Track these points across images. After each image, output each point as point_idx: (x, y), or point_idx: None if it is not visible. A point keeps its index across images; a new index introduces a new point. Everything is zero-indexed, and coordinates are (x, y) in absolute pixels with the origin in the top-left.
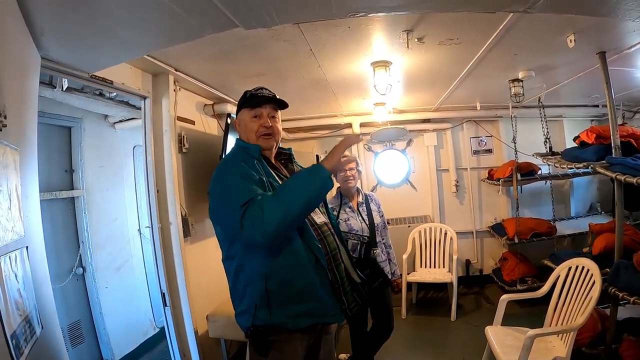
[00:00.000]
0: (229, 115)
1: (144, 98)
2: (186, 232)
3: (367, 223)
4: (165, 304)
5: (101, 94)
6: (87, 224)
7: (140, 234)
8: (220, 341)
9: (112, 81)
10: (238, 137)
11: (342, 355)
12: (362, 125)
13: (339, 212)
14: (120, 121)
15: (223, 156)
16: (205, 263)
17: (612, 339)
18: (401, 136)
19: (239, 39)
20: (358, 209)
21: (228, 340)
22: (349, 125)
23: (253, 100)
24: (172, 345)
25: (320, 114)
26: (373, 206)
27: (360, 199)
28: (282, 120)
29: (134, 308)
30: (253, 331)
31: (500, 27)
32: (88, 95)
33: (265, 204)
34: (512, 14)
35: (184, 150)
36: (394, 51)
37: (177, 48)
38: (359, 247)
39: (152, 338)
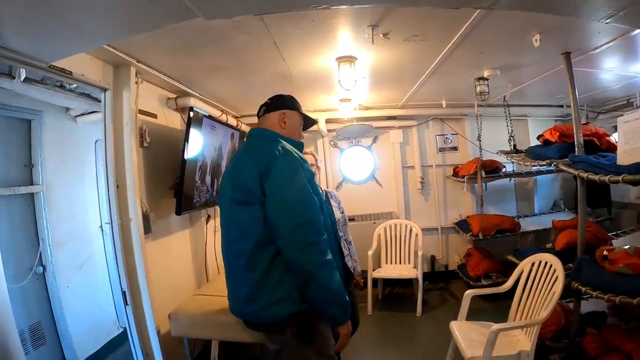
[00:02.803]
0: (191, 108)
1: (105, 90)
2: (147, 229)
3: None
4: (126, 303)
5: (62, 86)
6: (47, 220)
7: (102, 230)
8: (183, 340)
9: (71, 72)
10: (270, 129)
11: None
12: (327, 121)
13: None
14: (82, 114)
15: (185, 151)
16: (167, 260)
17: (576, 332)
18: (367, 133)
19: (201, 30)
20: None
21: (192, 340)
22: (315, 122)
23: (306, 117)
24: (134, 345)
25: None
26: (333, 202)
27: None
28: (247, 116)
29: (96, 307)
30: (297, 318)
31: (466, 25)
32: (48, 86)
33: (329, 266)
34: (477, 11)
35: (145, 144)
36: (359, 46)
37: (139, 39)
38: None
39: (116, 338)
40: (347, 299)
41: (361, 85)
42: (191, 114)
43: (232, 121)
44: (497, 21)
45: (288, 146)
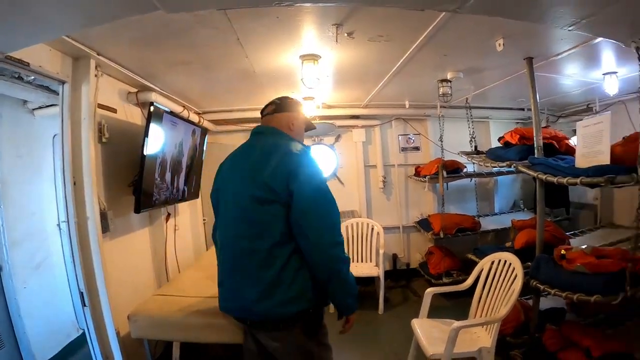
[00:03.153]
0: (151, 103)
1: (63, 83)
2: (105, 227)
3: None
4: (84, 304)
5: (20, 77)
6: (3, 218)
7: (59, 229)
8: (143, 342)
9: (28, 63)
10: (280, 129)
11: None
12: None
13: None
14: (40, 107)
15: (145, 147)
16: (126, 260)
17: (535, 328)
18: (330, 131)
19: (164, 23)
20: None
21: (152, 341)
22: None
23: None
24: (93, 348)
25: (248, 106)
26: None
27: None
28: (209, 112)
29: (55, 309)
30: (307, 314)
31: (431, 27)
32: (5, 78)
33: (348, 262)
34: (442, 14)
35: (103, 140)
36: (323, 45)
37: (100, 30)
38: None
39: (75, 340)
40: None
41: (325, 84)
42: (151, 108)
43: (194, 117)
44: (461, 24)
45: (307, 149)
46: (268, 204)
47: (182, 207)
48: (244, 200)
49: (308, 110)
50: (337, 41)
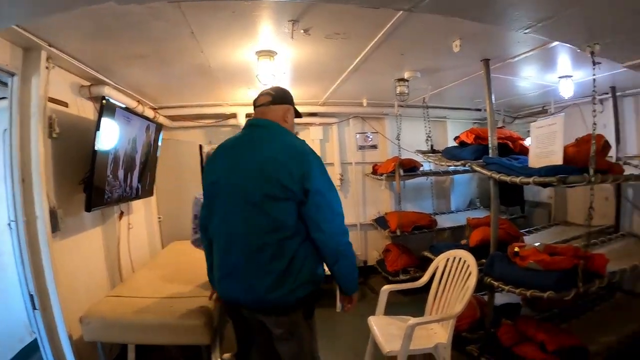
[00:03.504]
0: (103, 97)
1: (12, 75)
2: (55, 227)
3: None
4: (34, 307)
5: None
6: None
7: (10, 228)
8: (97, 345)
9: None
10: (281, 125)
11: (226, 355)
12: (247, 116)
13: None
14: None
15: (96, 143)
16: (77, 260)
17: (491, 324)
18: None
19: (118, 15)
20: None
21: (107, 344)
22: (234, 115)
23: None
24: (45, 353)
25: (205, 102)
26: None
27: None
28: (165, 107)
29: (7, 312)
30: (309, 298)
31: (388, 25)
32: None
33: (351, 245)
34: (399, 13)
35: (54, 135)
36: (279, 41)
37: (53, 21)
38: None
39: (29, 345)
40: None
41: (282, 81)
42: (103, 102)
43: (149, 113)
44: (419, 24)
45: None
46: (282, 201)
47: (137, 205)
48: (256, 198)
49: None
50: (292, 37)
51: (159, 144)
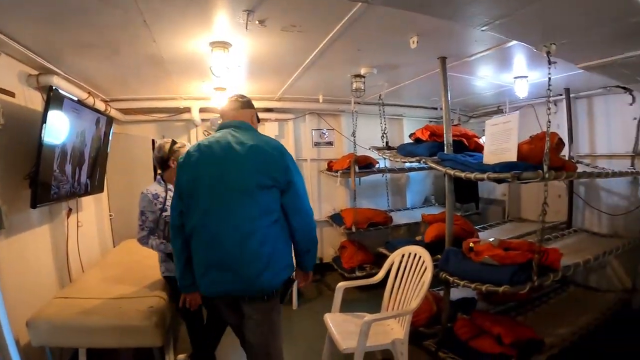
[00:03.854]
0: (51, 87)
1: None
2: None
3: None
4: None
5: None
6: None
7: None
8: (45, 350)
9: None
10: (250, 124)
11: (181, 356)
12: (201, 110)
13: (165, 199)
14: None
15: (42, 136)
16: (23, 260)
17: (447, 319)
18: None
19: (66, 0)
20: None
21: (56, 349)
22: (188, 110)
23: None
24: None
25: (158, 95)
26: None
27: None
28: (117, 100)
29: None
30: (288, 282)
31: (345, 19)
32: None
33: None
34: (357, 6)
35: None
36: (234, 32)
37: None
38: None
39: None
40: None
41: (237, 74)
42: (51, 92)
43: (100, 105)
44: (376, 19)
45: None
46: (270, 190)
47: (86, 202)
48: (250, 188)
49: (219, 101)
50: (247, 28)
51: (110, 138)
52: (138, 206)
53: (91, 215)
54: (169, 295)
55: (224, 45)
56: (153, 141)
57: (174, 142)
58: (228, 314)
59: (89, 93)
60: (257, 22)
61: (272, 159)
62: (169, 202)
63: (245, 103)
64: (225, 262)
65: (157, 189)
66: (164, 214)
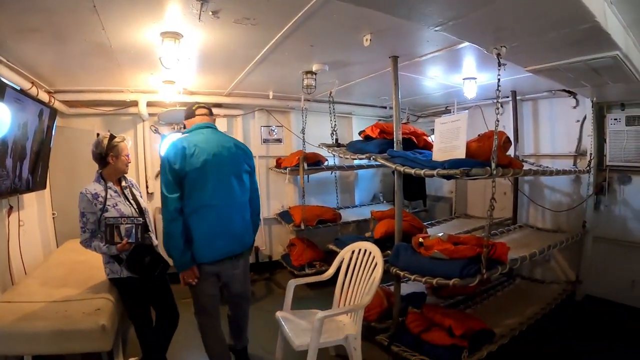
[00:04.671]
0: None
1: None
2: None
3: (136, 207)
4: None
5: None
6: None
7: None
8: None
9: None
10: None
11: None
12: (149, 104)
13: (105, 198)
14: None
15: None
16: None
17: (399, 313)
18: None
19: None
20: (123, 192)
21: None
22: (135, 103)
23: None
24: None
25: (104, 87)
26: (136, 192)
27: (124, 183)
28: (62, 92)
29: None
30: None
31: (299, 14)
32: None
33: None
34: (311, 2)
35: None
36: (186, 23)
37: None
38: (134, 230)
39: None
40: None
41: (187, 67)
42: None
43: (44, 96)
44: (330, 15)
45: None
46: (248, 174)
47: (28, 199)
48: (240, 172)
49: (168, 96)
50: (200, 19)
51: (54, 131)
52: (78, 207)
53: (33, 214)
54: (117, 297)
55: (175, 35)
56: (98, 135)
57: (112, 137)
58: (212, 282)
59: (32, 83)
60: (210, 13)
61: (248, 151)
62: (109, 202)
63: (210, 110)
64: (232, 230)
65: (96, 188)
66: (105, 214)
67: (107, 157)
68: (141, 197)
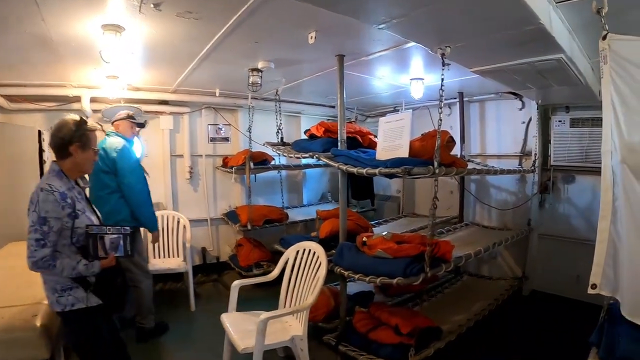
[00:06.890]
0: None
1: None
2: None
3: (97, 215)
4: None
5: None
6: None
7: None
8: None
9: None
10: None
11: None
12: (92, 100)
13: (74, 200)
14: None
15: None
16: None
17: (346, 312)
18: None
19: None
20: (86, 196)
21: None
22: (78, 99)
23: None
24: None
25: (47, 81)
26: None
27: (82, 184)
28: (2, 86)
29: None
30: None
31: (243, 9)
32: None
33: None
34: None
35: None
36: (128, 15)
37: None
38: (121, 241)
39: None
40: None
41: (130, 62)
42: None
43: None
44: (274, 11)
45: None
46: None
47: None
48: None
49: (112, 91)
50: (140, 11)
51: None
52: (34, 210)
53: None
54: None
55: (116, 28)
56: (40, 132)
57: (83, 121)
58: None
59: None
60: (152, 5)
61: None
62: (78, 206)
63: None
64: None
65: (61, 185)
66: (77, 220)
67: (70, 145)
68: None
